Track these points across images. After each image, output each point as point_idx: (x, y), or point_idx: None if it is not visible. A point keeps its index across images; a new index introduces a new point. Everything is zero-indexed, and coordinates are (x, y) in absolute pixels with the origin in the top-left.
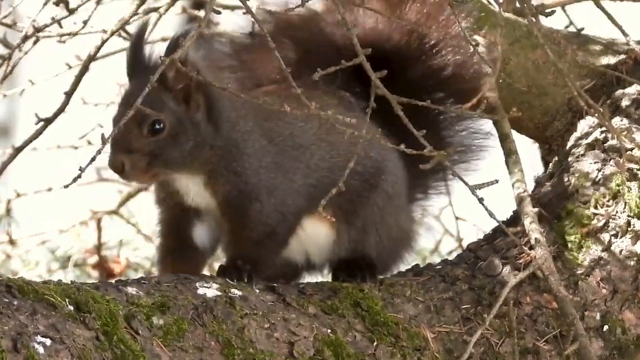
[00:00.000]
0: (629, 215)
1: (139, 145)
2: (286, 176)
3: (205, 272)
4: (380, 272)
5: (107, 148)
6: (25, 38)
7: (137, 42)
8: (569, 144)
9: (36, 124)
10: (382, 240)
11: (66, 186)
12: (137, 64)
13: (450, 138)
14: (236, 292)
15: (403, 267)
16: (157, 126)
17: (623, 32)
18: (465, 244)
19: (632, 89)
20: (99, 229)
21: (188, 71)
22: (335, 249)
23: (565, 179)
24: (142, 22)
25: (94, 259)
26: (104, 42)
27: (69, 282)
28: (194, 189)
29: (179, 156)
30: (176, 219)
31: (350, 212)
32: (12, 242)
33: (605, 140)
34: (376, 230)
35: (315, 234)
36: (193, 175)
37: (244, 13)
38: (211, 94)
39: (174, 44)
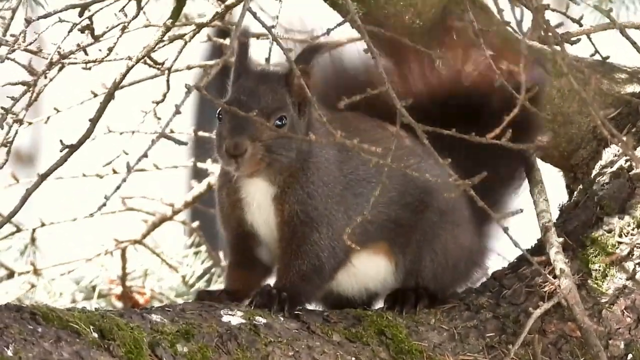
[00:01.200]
0: None
1: (264, 135)
2: (347, 211)
3: None
4: (440, 293)
5: (224, 132)
6: (51, 65)
7: (245, 39)
8: (594, 172)
9: (61, 151)
10: (439, 258)
11: (91, 215)
12: (248, 60)
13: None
14: (261, 320)
15: None
16: (282, 122)
17: None
18: (490, 273)
19: None
20: (124, 259)
21: (311, 85)
22: (394, 279)
23: (590, 207)
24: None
25: (118, 289)
26: (129, 69)
27: (93, 310)
28: (260, 201)
29: (286, 157)
30: (241, 239)
31: (404, 242)
32: (36, 271)
33: (630, 168)
34: (432, 249)
35: (373, 269)
36: (269, 185)
37: (269, 40)
38: (313, 112)
39: (311, 52)
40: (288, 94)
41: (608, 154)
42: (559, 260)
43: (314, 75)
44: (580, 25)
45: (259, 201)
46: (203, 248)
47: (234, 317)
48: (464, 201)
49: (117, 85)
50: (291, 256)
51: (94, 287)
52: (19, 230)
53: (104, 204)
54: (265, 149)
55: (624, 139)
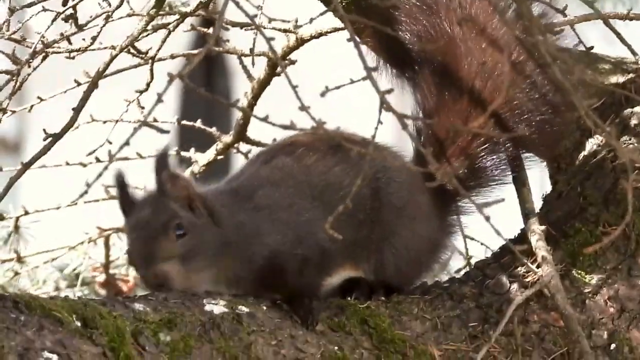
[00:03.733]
0: (637, 234)
1: (173, 251)
2: (303, 250)
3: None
4: (404, 286)
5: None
6: (34, 54)
7: (122, 184)
8: (578, 162)
9: (44, 140)
10: (400, 253)
11: (74, 203)
12: (130, 200)
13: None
14: (243, 309)
15: None
16: (179, 230)
17: (632, 51)
18: (473, 263)
19: None
20: (107, 246)
21: (183, 182)
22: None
23: (574, 198)
24: (117, 171)
25: (101, 277)
26: (112, 58)
27: (76, 298)
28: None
29: (209, 254)
30: None
31: (365, 251)
32: (20, 259)
33: (614, 159)
34: (392, 246)
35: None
36: (214, 276)
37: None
38: (206, 200)
39: (163, 159)
40: (171, 201)
41: (591, 144)
42: (541, 248)
43: (180, 174)
44: (565, 16)
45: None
46: None
47: (216, 306)
48: (420, 193)
49: (100, 74)
50: (285, 290)
51: (77, 275)
52: (2, 218)
53: (86, 192)
54: (183, 261)
55: (608, 129)
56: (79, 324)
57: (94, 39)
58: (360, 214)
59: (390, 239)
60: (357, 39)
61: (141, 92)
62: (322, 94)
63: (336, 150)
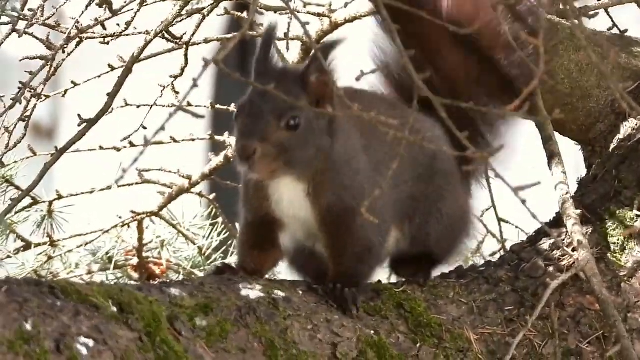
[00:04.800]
0: None
1: (274, 137)
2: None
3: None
4: (442, 258)
5: (236, 134)
6: (69, 39)
7: (270, 38)
8: (612, 146)
9: (79, 125)
10: (443, 220)
11: (108, 187)
12: (270, 58)
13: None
14: (279, 294)
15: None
16: (293, 122)
17: None
18: (508, 246)
19: None
20: (140, 230)
21: (329, 80)
22: (401, 245)
23: (608, 181)
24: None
25: (134, 260)
26: (147, 43)
27: (113, 284)
28: (291, 198)
29: (304, 156)
30: (264, 224)
31: (411, 211)
32: (53, 243)
33: None
34: (438, 212)
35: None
36: (297, 182)
37: (287, 14)
38: (334, 104)
39: (328, 50)
40: (304, 94)
41: (626, 127)
42: (577, 232)
43: (332, 71)
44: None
45: (290, 198)
46: (220, 220)
47: (252, 291)
48: (457, 168)
49: (135, 60)
50: (340, 243)
51: (110, 259)
52: (36, 202)
53: (122, 177)
54: (278, 150)
55: None
56: (115, 309)
57: (128, 24)
58: (420, 167)
59: (437, 205)
60: (392, 24)
61: (176, 77)
62: (357, 79)
63: (395, 106)
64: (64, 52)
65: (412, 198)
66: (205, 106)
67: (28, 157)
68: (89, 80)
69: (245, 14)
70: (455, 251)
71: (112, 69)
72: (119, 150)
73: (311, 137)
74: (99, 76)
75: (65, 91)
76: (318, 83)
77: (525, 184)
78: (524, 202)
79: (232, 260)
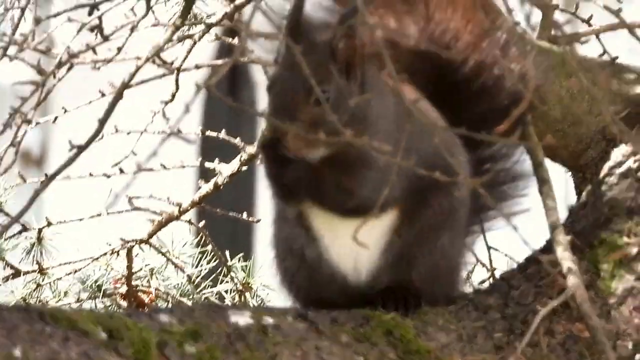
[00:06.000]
0: None
1: (304, 115)
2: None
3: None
4: (425, 296)
5: (268, 111)
6: (60, 64)
7: (300, 4)
8: (603, 172)
9: (69, 151)
10: (433, 258)
11: (98, 214)
12: (298, 28)
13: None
14: (269, 320)
15: None
16: (324, 95)
17: None
18: (497, 274)
19: None
20: (130, 258)
21: (356, 44)
22: (382, 262)
23: (599, 208)
24: None
25: (123, 288)
26: (138, 69)
27: (102, 310)
28: None
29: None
30: None
31: (406, 220)
32: (42, 271)
33: (639, 169)
34: (432, 244)
35: (367, 237)
36: None
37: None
38: (366, 70)
39: (350, 14)
40: (332, 61)
41: (617, 154)
42: (567, 258)
43: (360, 34)
44: (590, 26)
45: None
46: (209, 248)
47: (242, 318)
48: (467, 210)
49: (125, 85)
50: None
51: (99, 287)
52: (25, 229)
53: (112, 203)
54: (309, 126)
55: (633, 135)
56: (104, 335)
57: (119, 49)
58: (440, 160)
59: (434, 236)
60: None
61: (166, 102)
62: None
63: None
64: (54, 77)
65: (412, 189)
66: (195, 133)
67: (18, 184)
68: (79, 106)
69: (236, 40)
70: (443, 289)
71: (103, 94)
72: (109, 177)
73: (343, 106)
74: (90, 102)
75: (56, 117)
76: (346, 48)
77: (515, 210)
78: (515, 228)
79: (222, 288)
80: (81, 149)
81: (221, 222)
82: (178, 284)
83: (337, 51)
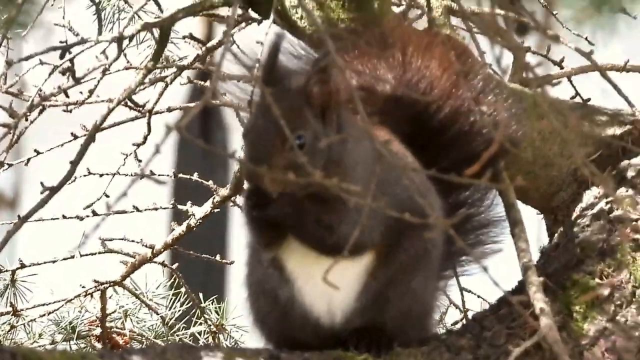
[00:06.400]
0: (633, 286)
1: (280, 161)
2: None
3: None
4: (396, 338)
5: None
6: (31, 107)
7: (275, 50)
8: (575, 214)
9: (42, 193)
10: (406, 300)
11: (71, 256)
12: (274, 73)
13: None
14: None
15: None
16: (298, 142)
17: (629, 102)
18: (470, 316)
19: (637, 160)
20: (103, 300)
21: (332, 89)
22: (357, 304)
23: (571, 250)
24: (278, 34)
25: (98, 330)
26: (109, 111)
27: (74, 351)
28: None
29: (314, 168)
30: None
31: (379, 263)
32: (16, 312)
33: (611, 210)
34: (405, 287)
35: (343, 279)
36: None
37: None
38: (341, 114)
39: (323, 59)
40: (308, 106)
41: (589, 196)
42: (539, 299)
43: (335, 77)
44: (561, 68)
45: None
46: (182, 290)
47: (214, 359)
48: (440, 253)
49: (97, 128)
50: None
51: (73, 329)
52: None
53: (83, 243)
54: (285, 170)
55: (605, 178)
56: None
57: (91, 92)
58: (414, 203)
59: (407, 278)
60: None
61: (138, 145)
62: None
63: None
64: (26, 119)
65: (388, 233)
66: (167, 175)
67: None
68: (51, 148)
69: (207, 83)
70: (414, 331)
71: (75, 137)
72: (81, 219)
73: (320, 150)
74: (62, 144)
75: (29, 159)
76: (321, 93)
77: (487, 251)
78: (485, 269)
79: (196, 329)
80: (54, 190)
81: (194, 263)
82: (152, 326)
83: (312, 96)
